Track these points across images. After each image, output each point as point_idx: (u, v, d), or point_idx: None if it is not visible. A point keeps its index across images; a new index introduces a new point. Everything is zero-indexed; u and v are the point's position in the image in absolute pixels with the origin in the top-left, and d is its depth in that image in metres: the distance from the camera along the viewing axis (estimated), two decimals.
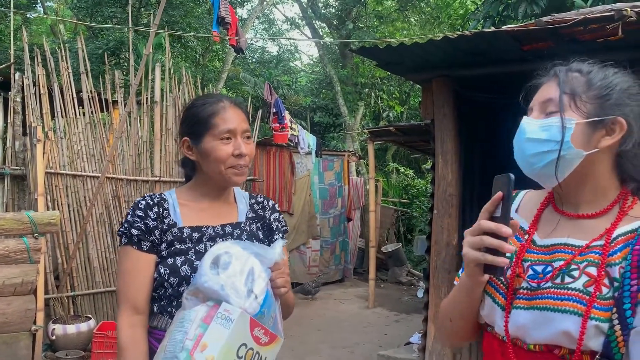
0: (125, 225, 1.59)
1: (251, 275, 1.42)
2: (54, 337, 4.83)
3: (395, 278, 10.37)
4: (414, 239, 10.82)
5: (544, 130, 1.11)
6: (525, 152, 1.13)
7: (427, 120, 4.25)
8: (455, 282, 1.29)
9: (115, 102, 6.06)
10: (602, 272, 1.03)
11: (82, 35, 5.67)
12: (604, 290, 1.02)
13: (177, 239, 1.58)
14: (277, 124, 6.78)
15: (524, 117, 1.16)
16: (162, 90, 6.05)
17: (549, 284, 1.09)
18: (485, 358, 1.23)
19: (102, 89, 5.90)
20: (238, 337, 1.35)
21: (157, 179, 5.90)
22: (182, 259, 1.55)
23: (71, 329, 4.90)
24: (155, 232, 1.57)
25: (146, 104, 6.01)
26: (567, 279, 1.07)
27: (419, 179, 14.66)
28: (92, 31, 13.07)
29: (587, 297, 1.02)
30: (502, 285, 1.16)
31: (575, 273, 1.07)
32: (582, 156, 1.08)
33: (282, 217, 1.80)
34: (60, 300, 5.18)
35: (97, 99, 5.73)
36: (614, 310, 0.99)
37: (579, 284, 1.05)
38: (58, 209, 5.21)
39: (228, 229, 1.64)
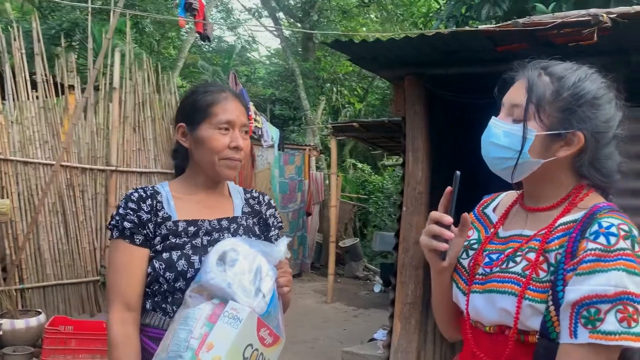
0: (117, 218, 1.51)
1: (259, 273, 1.37)
2: (0, 333, 4.57)
3: (352, 273, 10.43)
4: (373, 234, 10.90)
5: (506, 136, 1.17)
6: (488, 153, 1.21)
7: (398, 117, 4.24)
8: None
9: (70, 87, 5.77)
10: (540, 257, 1.12)
11: (36, 14, 5.35)
12: (542, 274, 1.11)
13: (172, 233, 1.51)
14: None
15: (493, 117, 1.21)
16: (120, 76, 5.81)
17: (497, 269, 1.19)
18: (464, 342, 1.32)
19: (57, 72, 5.61)
20: (245, 338, 1.30)
21: (113, 168, 5.67)
22: (178, 254, 1.48)
23: (20, 323, 4.65)
24: (149, 225, 1.51)
25: (104, 89, 5.76)
26: (511, 264, 1.18)
27: (376, 175, 14.80)
28: (41, 12, 12.46)
29: (523, 280, 1.12)
30: (464, 272, 1.27)
31: (518, 259, 1.17)
32: (540, 163, 1.16)
33: (278, 213, 1.76)
34: (8, 294, 4.90)
35: (51, 82, 5.44)
36: (550, 293, 1.08)
37: (518, 268, 1.15)
38: (7, 197, 4.92)
39: (224, 223, 1.59)
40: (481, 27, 3.53)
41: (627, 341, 1.00)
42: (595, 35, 2.92)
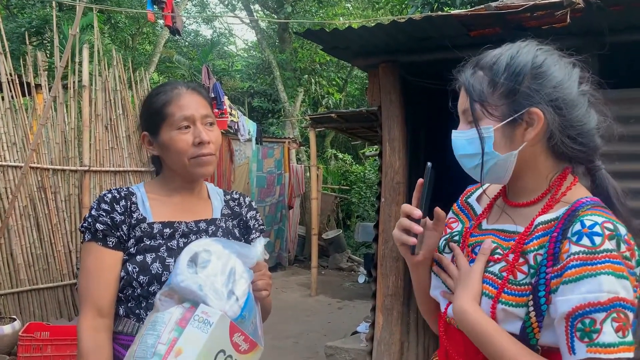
0: (89, 220, 1.44)
1: (232, 275, 1.30)
2: None
3: (336, 264, 10.41)
4: (355, 225, 10.88)
5: (470, 144, 1.13)
6: (465, 166, 1.18)
7: (374, 107, 4.17)
8: None
9: (38, 86, 5.60)
10: (520, 259, 1.07)
11: None
12: (520, 276, 1.06)
13: (147, 235, 1.44)
14: (216, 110, 6.51)
15: (453, 131, 1.18)
16: (90, 73, 5.65)
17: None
18: (439, 338, 1.28)
19: (23, 71, 5.44)
20: (216, 343, 1.22)
21: (86, 168, 5.52)
22: (152, 256, 1.42)
23: None
24: (123, 227, 1.44)
25: (73, 88, 5.60)
26: (489, 263, 1.13)
27: (357, 165, 14.76)
28: (10, 9, 12.14)
29: (499, 281, 1.08)
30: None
31: (497, 257, 1.13)
32: (515, 155, 1.10)
33: (259, 215, 1.69)
34: None
35: (17, 82, 5.26)
36: (530, 297, 1.02)
37: (495, 268, 1.11)
38: None
39: (202, 225, 1.52)
40: (453, 12, 3.46)
41: (624, 352, 0.93)
42: (568, 17, 2.87)
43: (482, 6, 3.22)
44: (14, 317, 4.82)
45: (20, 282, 5.13)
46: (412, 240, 1.15)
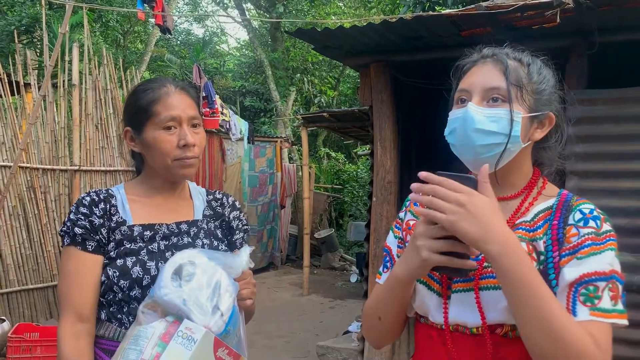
0: (68, 224, 1.42)
1: (217, 289, 1.27)
2: None
3: (328, 263, 10.41)
4: (348, 224, 10.88)
5: (493, 121, 1.11)
6: (473, 141, 1.12)
7: (365, 106, 4.17)
8: (377, 280, 1.27)
9: (27, 85, 5.56)
10: (530, 247, 1.10)
11: None
12: (534, 263, 1.08)
13: (127, 238, 1.42)
14: (207, 109, 6.48)
15: (470, 103, 1.14)
16: (80, 72, 5.61)
17: (486, 264, 1.10)
18: (420, 351, 1.21)
19: (12, 70, 5.39)
20: (200, 359, 1.20)
21: (76, 168, 5.49)
22: (133, 260, 1.40)
23: None
24: (102, 230, 1.42)
25: (63, 87, 5.56)
26: None
27: (350, 164, 14.76)
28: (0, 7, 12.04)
29: None
30: (435, 272, 1.14)
31: None
32: (521, 148, 1.14)
33: (243, 215, 1.66)
34: None
35: (6, 81, 5.22)
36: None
37: None
38: None
39: (184, 227, 1.50)
40: (444, 11, 3.47)
41: (617, 319, 1.03)
42: (558, 17, 2.88)
43: (473, 6, 3.22)
44: (3, 317, 4.78)
45: (10, 282, 5.09)
46: (472, 264, 1.02)
